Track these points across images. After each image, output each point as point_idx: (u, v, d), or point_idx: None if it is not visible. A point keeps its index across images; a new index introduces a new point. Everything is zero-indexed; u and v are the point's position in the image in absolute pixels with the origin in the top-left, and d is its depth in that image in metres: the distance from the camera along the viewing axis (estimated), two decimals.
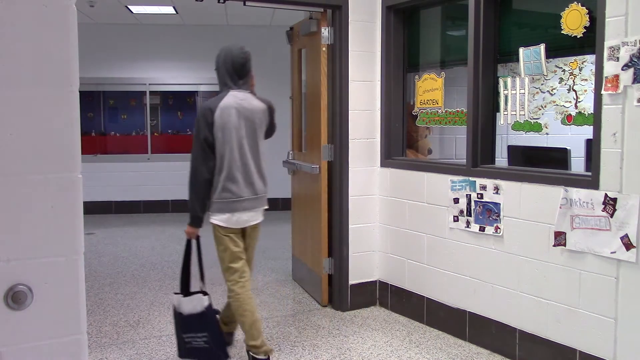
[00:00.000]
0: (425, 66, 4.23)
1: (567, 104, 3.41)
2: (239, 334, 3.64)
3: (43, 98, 1.25)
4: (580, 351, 3.04)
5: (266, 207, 3.40)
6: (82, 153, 1.33)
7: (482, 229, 3.55)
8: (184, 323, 3.21)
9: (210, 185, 3.21)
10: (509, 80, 3.43)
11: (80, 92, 1.31)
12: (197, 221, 3.24)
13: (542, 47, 3.20)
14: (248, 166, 3.25)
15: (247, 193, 3.25)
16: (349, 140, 4.26)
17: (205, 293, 3.23)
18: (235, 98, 3.23)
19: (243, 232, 3.34)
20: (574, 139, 4.79)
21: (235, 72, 3.26)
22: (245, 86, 3.31)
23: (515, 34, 3.57)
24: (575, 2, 3.01)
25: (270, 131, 3.46)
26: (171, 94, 9.05)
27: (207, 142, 3.17)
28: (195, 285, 3.32)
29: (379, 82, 4.31)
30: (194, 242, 3.32)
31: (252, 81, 3.38)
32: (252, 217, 3.32)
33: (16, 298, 1.23)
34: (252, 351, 3.28)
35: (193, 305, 3.18)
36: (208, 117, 3.16)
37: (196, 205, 3.21)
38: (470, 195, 3.62)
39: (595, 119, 2.91)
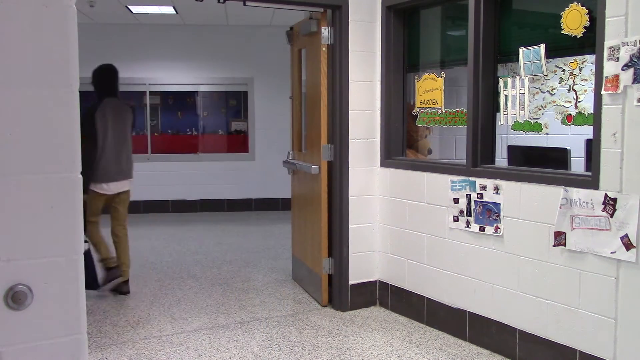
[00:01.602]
0: (425, 66, 4.23)
1: (567, 104, 3.41)
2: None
3: (43, 98, 1.25)
4: (580, 351, 3.04)
5: (131, 179, 4.82)
6: None
7: (482, 229, 3.55)
8: None
9: (93, 164, 4.50)
10: (509, 80, 3.43)
11: (80, 92, 1.31)
12: (84, 190, 4.34)
13: (542, 47, 3.20)
14: (119, 151, 4.67)
15: (116, 169, 4.65)
16: (349, 140, 4.26)
17: (85, 241, 4.25)
18: (108, 104, 4.63)
19: (111, 198, 4.74)
20: (574, 139, 4.80)
21: (109, 85, 4.68)
22: (115, 94, 4.72)
23: (515, 34, 3.57)
24: (575, 2, 3.01)
25: (134, 126, 4.93)
26: (171, 94, 9.05)
27: (89, 134, 4.44)
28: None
29: (379, 82, 4.31)
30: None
31: (117, 92, 4.78)
32: (121, 186, 4.74)
33: (16, 298, 1.23)
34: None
35: None
36: (90, 117, 4.48)
37: (84, 178, 4.39)
38: (470, 195, 3.62)
39: (595, 119, 2.91)
